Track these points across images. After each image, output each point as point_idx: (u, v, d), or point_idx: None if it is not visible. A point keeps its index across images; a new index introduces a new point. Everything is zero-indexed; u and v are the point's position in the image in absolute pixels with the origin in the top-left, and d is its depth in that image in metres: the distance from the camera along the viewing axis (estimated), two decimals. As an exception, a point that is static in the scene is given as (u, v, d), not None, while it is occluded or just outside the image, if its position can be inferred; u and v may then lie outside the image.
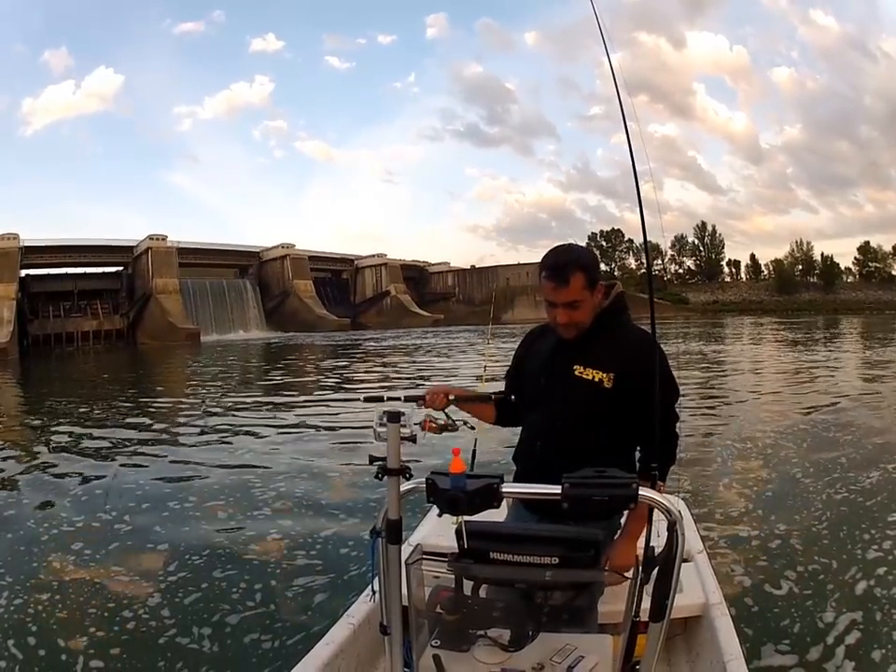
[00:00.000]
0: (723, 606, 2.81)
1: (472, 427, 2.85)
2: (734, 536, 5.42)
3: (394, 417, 1.88)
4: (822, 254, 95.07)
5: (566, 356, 2.48)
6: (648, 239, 2.19)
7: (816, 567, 4.77)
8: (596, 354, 2.41)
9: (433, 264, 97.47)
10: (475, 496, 1.78)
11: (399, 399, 2.74)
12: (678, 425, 2.46)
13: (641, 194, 2.03)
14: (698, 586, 2.95)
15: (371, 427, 1.93)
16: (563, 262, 2.38)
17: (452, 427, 2.63)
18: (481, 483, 1.79)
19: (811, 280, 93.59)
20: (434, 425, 2.58)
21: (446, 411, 2.67)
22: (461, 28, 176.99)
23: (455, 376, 19.98)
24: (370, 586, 2.77)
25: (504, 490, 1.80)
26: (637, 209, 2.03)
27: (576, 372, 2.42)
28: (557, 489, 1.72)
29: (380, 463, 1.90)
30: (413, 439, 1.90)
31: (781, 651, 3.68)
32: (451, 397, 2.66)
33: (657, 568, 1.79)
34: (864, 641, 3.73)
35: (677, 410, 2.45)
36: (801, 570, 4.71)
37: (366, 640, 2.70)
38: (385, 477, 1.90)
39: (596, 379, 2.39)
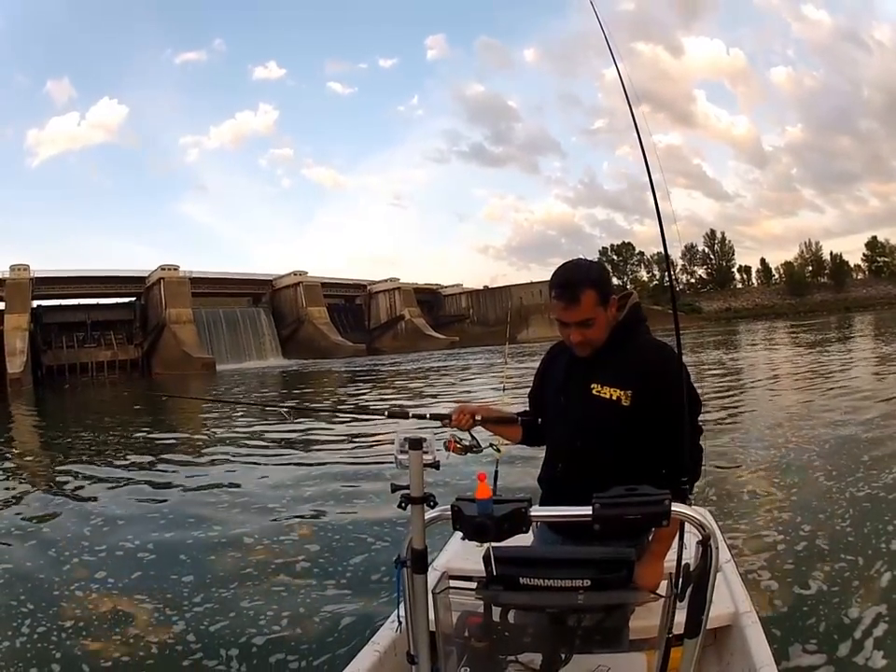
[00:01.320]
0: (753, 614, 2.77)
1: (498, 450, 2.82)
2: (759, 541, 5.39)
3: (416, 444, 1.85)
4: (831, 253, 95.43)
5: (582, 374, 2.42)
6: (660, 251, 2.14)
7: (842, 564, 4.76)
8: (613, 371, 2.34)
9: (446, 286, 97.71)
10: (503, 521, 1.72)
11: (424, 416, 2.70)
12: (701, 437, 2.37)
13: (654, 205, 2.00)
14: (727, 596, 2.90)
15: (392, 454, 1.90)
16: (573, 280, 2.30)
17: (476, 449, 2.61)
18: (508, 507, 1.73)
19: (822, 280, 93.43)
20: (459, 445, 2.57)
21: (471, 431, 2.63)
22: (461, 48, 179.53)
23: (475, 394, 19.70)
24: (395, 613, 2.74)
25: (533, 514, 1.76)
26: (656, 221, 1.96)
27: (593, 391, 2.35)
28: (588, 510, 1.68)
29: (403, 492, 1.87)
30: (435, 465, 1.88)
31: (812, 650, 3.67)
32: (477, 417, 2.61)
33: (691, 586, 1.77)
34: (892, 631, 3.74)
35: (700, 423, 2.35)
36: (828, 569, 4.68)
37: (392, 668, 2.65)
38: (409, 506, 1.87)
39: (614, 397, 2.31)
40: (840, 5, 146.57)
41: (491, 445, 2.74)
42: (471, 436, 2.64)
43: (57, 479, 10.85)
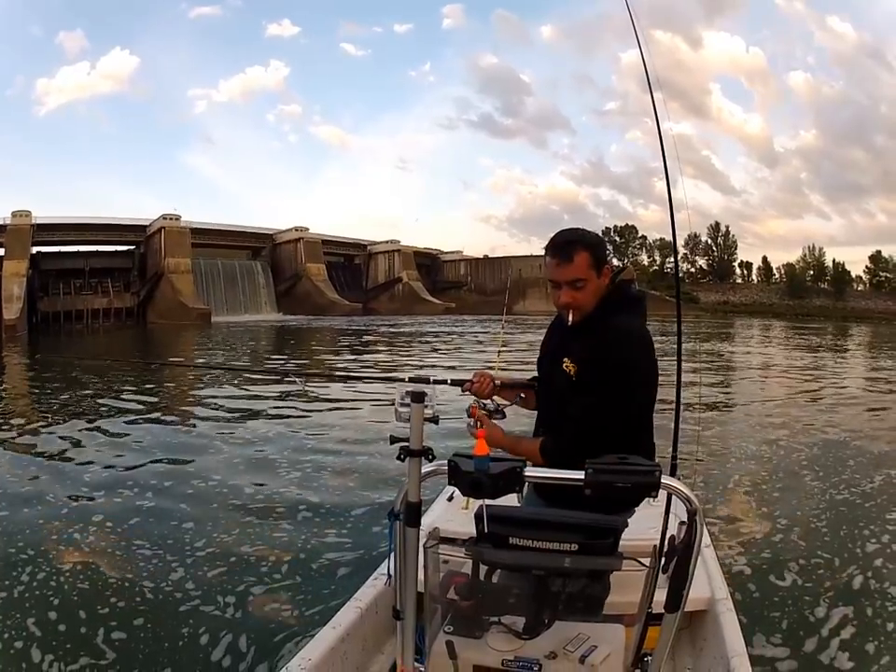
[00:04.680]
0: (729, 601, 2.80)
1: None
2: (738, 530, 5.52)
3: (417, 398, 1.89)
4: (834, 260, 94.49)
5: (562, 345, 2.48)
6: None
7: (817, 560, 4.88)
8: (579, 346, 2.38)
9: (446, 252, 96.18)
10: (499, 479, 1.75)
11: (445, 381, 2.69)
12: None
13: (660, 190, 2.02)
14: (704, 580, 2.91)
15: (393, 406, 1.93)
16: (569, 239, 2.37)
17: (499, 415, 2.61)
18: (505, 466, 1.76)
19: (822, 286, 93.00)
20: (483, 411, 2.55)
21: (493, 398, 2.65)
22: (477, 19, 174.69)
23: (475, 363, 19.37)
24: (377, 570, 2.90)
25: (527, 474, 1.78)
26: (661, 206, 2.03)
27: (563, 365, 2.40)
28: (580, 475, 1.69)
29: (402, 444, 1.89)
30: (435, 420, 1.90)
31: (780, 642, 3.76)
32: (497, 382, 2.65)
33: (674, 560, 1.79)
34: (859, 633, 3.85)
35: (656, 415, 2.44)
36: (803, 563, 4.81)
37: (373, 624, 2.72)
38: (407, 458, 1.89)
39: (570, 371, 2.37)
40: (866, 22, 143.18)
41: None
42: (494, 402, 2.66)
43: (53, 426, 10.78)
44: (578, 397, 2.34)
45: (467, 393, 2.66)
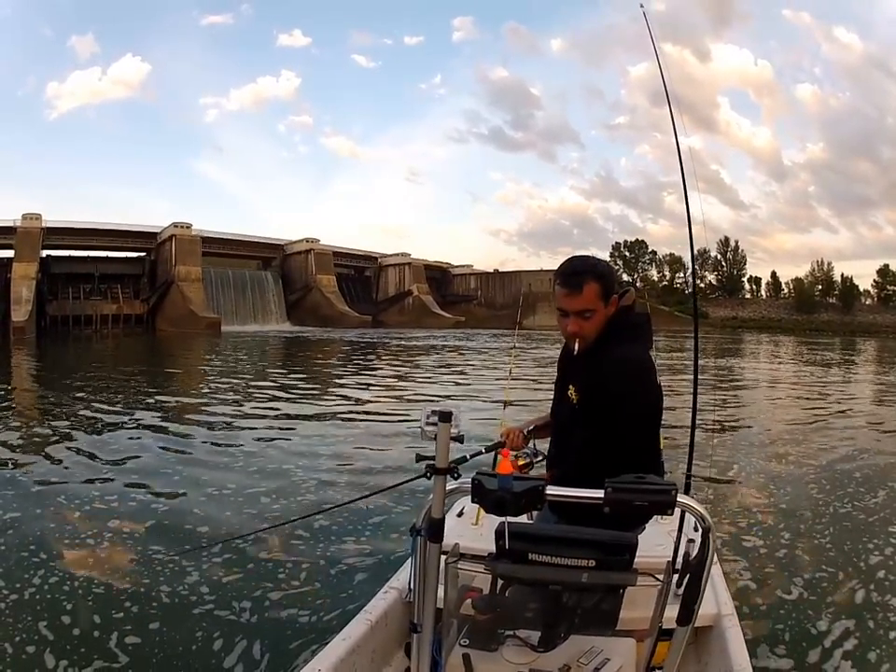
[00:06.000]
0: (734, 617, 2.80)
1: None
2: (743, 544, 5.54)
3: (445, 417, 1.92)
4: (842, 275, 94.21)
5: (568, 372, 2.55)
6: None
7: (821, 574, 4.90)
8: (581, 373, 2.44)
9: (456, 266, 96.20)
10: (521, 497, 1.79)
11: (480, 451, 2.68)
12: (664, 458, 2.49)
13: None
14: (710, 596, 2.87)
15: (419, 426, 1.99)
16: (579, 269, 2.36)
17: (539, 460, 2.72)
18: (527, 484, 1.80)
19: (830, 301, 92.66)
20: (522, 463, 2.65)
21: (527, 445, 2.77)
22: (488, 32, 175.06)
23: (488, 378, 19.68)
24: (388, 583, 2.94)
25: (548, 493, 1.82)
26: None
27: (569, 393, 2.47)
28: (600, 493, 1.73)
29: (428, 462, 1.94)
30: (460, 439, 1.96)
31: (784, 655, 3.78)
32: (526, 432, 2.76)
33: (688, 575, 1.83)
34: (862, 646, 3.88)
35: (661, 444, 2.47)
36: (807, 578, 4.83)
37: (382, 637, 2.72)
38: (433, 476, 1.94)
39: (574, 399, 2.44)
40: (873, 33, 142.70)
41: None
42: (529, 450, 2.76)
43: (62, 428, 10.83)
44: (580, 427, 2.41)
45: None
